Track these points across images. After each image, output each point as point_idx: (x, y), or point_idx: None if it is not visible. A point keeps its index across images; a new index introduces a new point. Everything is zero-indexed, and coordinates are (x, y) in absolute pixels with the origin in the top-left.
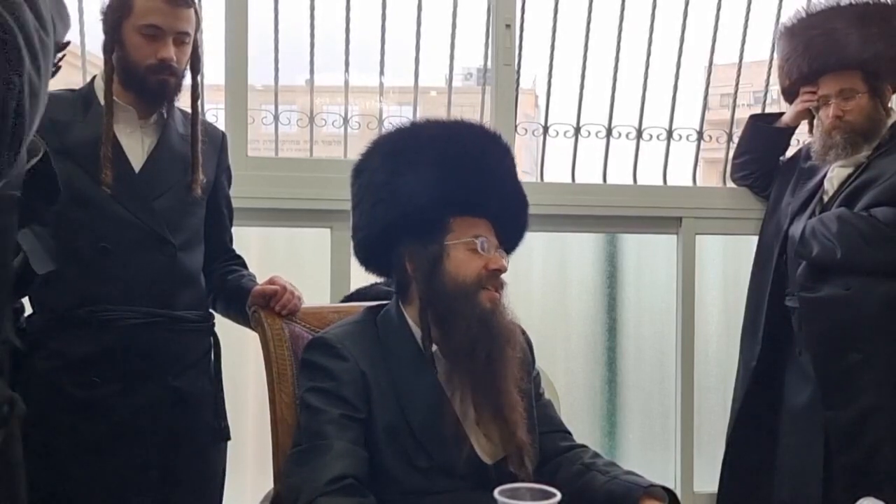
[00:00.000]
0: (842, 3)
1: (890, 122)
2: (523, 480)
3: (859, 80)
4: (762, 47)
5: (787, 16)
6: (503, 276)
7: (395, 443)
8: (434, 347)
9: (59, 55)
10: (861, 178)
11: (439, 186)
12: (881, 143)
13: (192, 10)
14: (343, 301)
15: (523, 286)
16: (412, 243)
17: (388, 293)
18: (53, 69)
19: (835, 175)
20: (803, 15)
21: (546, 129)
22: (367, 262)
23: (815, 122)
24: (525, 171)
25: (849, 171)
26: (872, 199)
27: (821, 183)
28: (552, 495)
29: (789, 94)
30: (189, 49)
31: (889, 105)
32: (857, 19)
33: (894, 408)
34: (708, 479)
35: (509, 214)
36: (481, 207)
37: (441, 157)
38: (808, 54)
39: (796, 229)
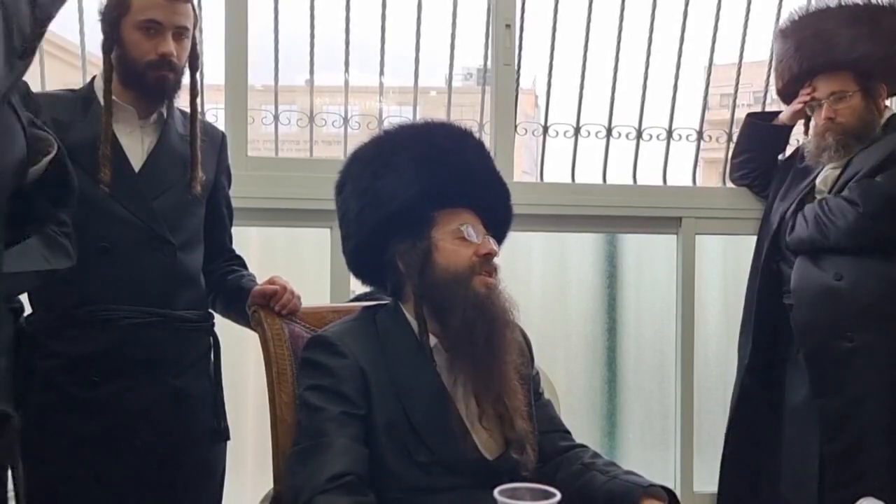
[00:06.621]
0: (833, 5)
1: (882, 120)
2: (525, 471)
3: (851, 81)
4: (762, 47)
5: (785, 17)
6: (496, 261)
7: (395, 439)
8: (434, 341)
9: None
10: (845, 175)
11: (419, 182)
12: (871, 141)
13: (190, 5)
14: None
15: (523, 286)
16: (401, 242)
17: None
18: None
19: (828, 175)
20: (796, 17)
21: (546, 129)
22: (363, 272)
23: (810, 123)
24: (525, 171)
25: (839, 172)
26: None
27: (813, 183)
28: (552, 495)
29: (784, 96)
30: (188, 45)
31: (885, 104)
32: (848, 20)
33: (884, 396)
34: (708, 479)
35: (492, 203)
36: (462, 198)
37: (417, 155)
38: (799, 55)
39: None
